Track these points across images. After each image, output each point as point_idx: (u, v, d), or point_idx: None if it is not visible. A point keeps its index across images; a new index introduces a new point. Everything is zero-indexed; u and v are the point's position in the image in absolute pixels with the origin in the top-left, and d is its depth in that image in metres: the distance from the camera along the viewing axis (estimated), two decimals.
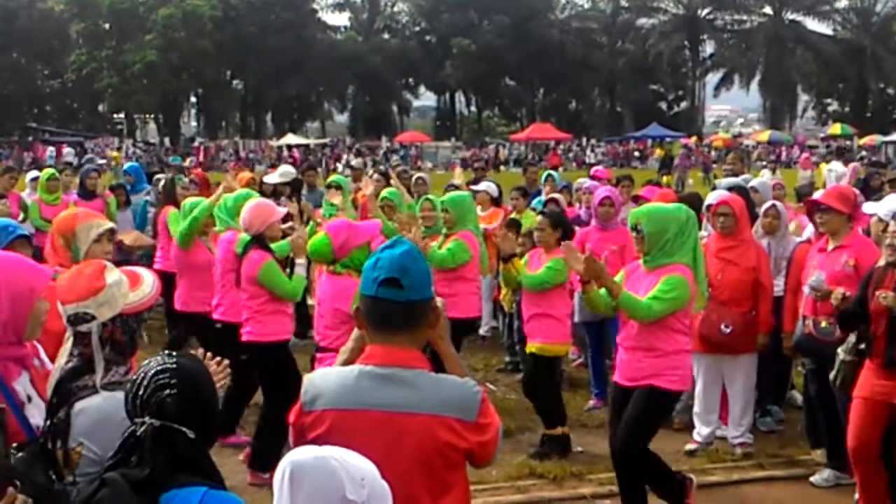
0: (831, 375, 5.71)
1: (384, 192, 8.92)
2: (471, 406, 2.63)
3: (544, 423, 6.87)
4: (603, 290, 5.16)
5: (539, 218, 7.00)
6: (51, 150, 47.80)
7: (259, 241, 6.23)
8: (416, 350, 2.71)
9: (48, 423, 2.82)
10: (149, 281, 3.09)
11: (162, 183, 10.14)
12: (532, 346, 6.82)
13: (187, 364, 2.45)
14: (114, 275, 2.95)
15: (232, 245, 6.59)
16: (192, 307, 7.55)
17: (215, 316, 6.93)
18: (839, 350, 5.63)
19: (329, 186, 9.61)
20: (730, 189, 7.70)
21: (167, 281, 8.88)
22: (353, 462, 2.02)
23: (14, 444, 2.77)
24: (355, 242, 5.28)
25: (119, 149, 53.52)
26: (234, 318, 6.55)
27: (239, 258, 6.34)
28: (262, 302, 6.24)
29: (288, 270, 6.41)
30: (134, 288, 3.01)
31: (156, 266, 8.96)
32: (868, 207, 5.87)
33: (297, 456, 2.01)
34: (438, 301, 2.80)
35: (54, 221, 4.40)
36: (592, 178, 11.22)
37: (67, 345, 2.91)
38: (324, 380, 2.72)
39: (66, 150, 48.40)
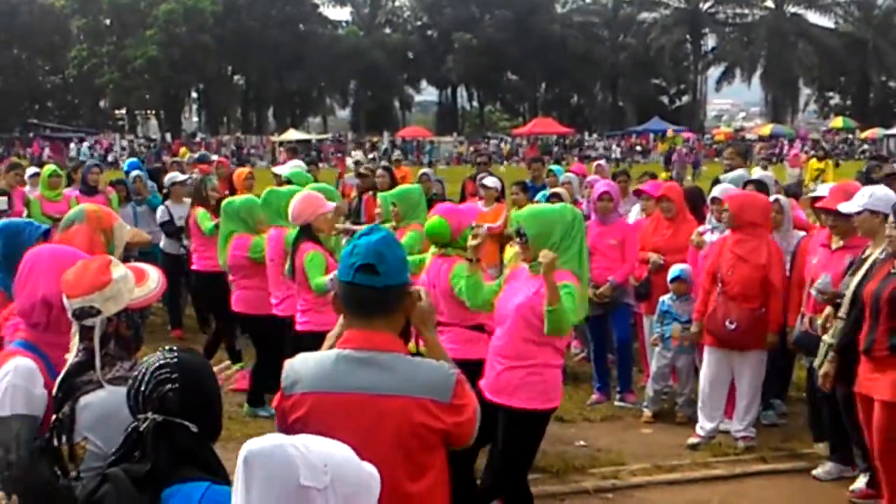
0: (816, 362, 5.74)
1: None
2: (446, 387, 2.67)
3: None
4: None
5: None
6: (84, 145, 47.71)
7: (307, 231, 6.36)
8: (392, 334, 2.75)
9: (53, 417, 2.83)
10: (154, 276, 3.09)
11: (190, 181, 10.29)
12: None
13: (188, 358, 2.45)
14: (119, 270, 2.95)
15: (281, 241, 6.78)
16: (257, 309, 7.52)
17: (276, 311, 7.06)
18: (824, 337, 5.65)
19: (289, 182, 9.51)
20: (746, 183, 7.74)
21: (203, 281, 8.98)
22: (318, 449, 1.93)
23: None
24: (465, 224, 5.51)
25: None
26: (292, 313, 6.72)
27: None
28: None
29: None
30: (139, 283, 3.01)
31: (193, 267, 9.05)
32: (844, 207, 5.85)
33: (255, 444, 1.94)
34: (422, 291, 2.87)
35: (88, 216, 4.20)
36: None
37: (74, 340, 2.92)
38: (303, 364, 2.76)
39: (79, 145, 48.38)
